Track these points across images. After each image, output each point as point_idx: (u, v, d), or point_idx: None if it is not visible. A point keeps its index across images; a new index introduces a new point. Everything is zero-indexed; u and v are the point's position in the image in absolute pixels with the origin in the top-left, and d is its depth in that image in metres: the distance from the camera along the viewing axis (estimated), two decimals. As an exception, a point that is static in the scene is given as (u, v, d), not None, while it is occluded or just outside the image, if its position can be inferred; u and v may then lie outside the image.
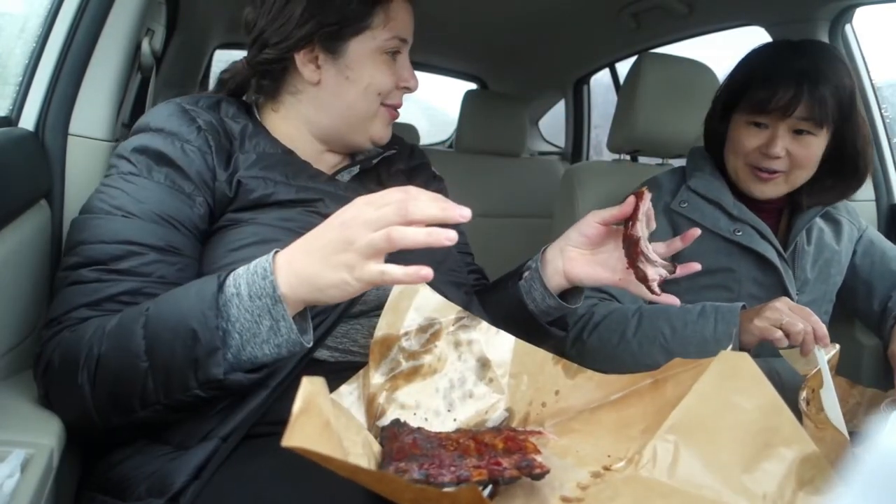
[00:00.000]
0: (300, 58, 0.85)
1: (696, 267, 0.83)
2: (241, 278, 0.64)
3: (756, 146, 1.11)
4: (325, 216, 0.80)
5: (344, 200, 0.82)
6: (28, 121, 0.88)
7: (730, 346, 0.90)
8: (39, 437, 0.65)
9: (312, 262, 0.62)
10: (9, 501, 0.56)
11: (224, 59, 2.51)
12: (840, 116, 1.08)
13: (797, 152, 1.09)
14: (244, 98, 0.95)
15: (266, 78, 0.89)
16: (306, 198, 0.83)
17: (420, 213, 0.58)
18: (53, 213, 0.89)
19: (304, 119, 0.90)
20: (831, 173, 1.14)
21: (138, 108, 1.29)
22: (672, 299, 0.82)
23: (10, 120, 0.88)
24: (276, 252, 0.65)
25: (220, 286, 0.64)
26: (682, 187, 1.22)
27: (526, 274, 0.92)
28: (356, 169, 0.94)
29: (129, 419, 0.67)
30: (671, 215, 1.20)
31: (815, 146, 1.10)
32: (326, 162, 0.94)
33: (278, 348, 0.64)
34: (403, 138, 1.07)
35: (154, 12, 1.11)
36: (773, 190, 1.14)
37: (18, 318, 0.79)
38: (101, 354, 0.65)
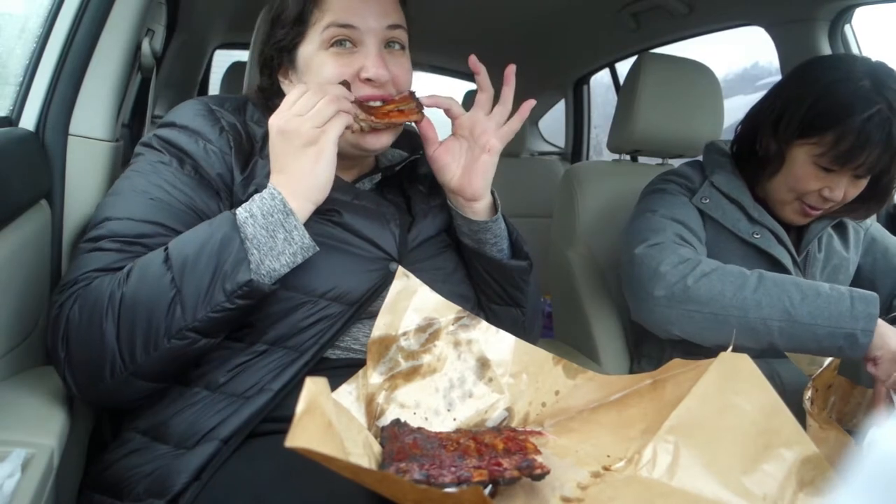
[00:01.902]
0: (280, 77, 0.87)
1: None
2: (251, 204, 0.73)
3: (817, 188, 1.06)
4: (340, 225, 0.79)
5: (359, 209, 0.82)
6: (28, 121, 0.88)
7: (869, 331, 0.89)
8: (39, 437, 0.65)
9: (292, 170, 0.73)
10: (9, 501, 0.56)
11: (224, 59, 2.51)
12: None
13: (850, 193, 1.06)
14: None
15: (274, 98, 0.89)
16: (320, 207, 0.82)
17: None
18: (53, 213, 0.88)
19: None
20: (860, 198, 1.10)
21: (138, 109, 1.29)
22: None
23: (11, 120, 0.88)
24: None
25: (233, 215, 0.71)
26: (705, 183, 1.19)
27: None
28: (378, 177, 0.93)
29: (157, 355, 0.68)
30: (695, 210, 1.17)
31: (864, 183, 1.07)
32: (347, 168, 0.91)
33: (294, 256, 0.73)
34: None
35: (154, 12, 1.11)
36: (810, 219, 1.12)
37: (18, 318, 0.79)
38: (125, 294, 0.68)
